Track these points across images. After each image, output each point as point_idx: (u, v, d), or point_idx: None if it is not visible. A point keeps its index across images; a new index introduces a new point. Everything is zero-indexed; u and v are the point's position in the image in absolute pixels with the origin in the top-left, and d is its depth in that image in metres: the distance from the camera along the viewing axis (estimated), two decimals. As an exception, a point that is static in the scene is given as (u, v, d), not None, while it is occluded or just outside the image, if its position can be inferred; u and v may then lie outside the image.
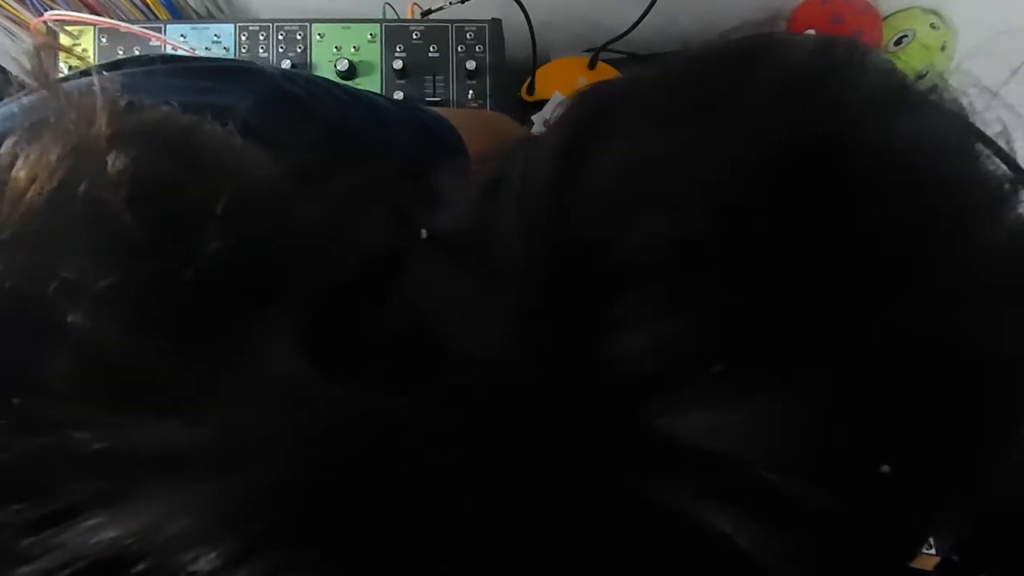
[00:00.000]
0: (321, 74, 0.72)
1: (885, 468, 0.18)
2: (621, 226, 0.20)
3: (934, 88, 0.24)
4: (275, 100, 0.35)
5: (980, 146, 0.22)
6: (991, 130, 0.23)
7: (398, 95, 0.71)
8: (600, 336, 0.19)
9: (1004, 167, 0.22)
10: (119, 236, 0.19)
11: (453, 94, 0.72)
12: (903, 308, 0.19)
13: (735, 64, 0.23)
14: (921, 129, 0.22)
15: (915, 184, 0.20)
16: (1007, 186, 0.22)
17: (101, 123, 0.20)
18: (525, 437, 0.19)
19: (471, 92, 0.72)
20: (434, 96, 0.72)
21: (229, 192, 0.20)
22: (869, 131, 0.21)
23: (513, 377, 0.19)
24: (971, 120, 0.23)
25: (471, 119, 0.56)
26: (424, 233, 0.23)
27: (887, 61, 0.24)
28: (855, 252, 0.19)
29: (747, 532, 0.18)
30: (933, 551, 0.36)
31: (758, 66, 0.22)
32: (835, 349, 0.18)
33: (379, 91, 0.72)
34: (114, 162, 0.19)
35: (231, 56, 0.71)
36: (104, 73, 0.22)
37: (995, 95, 0.24)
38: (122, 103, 0.22)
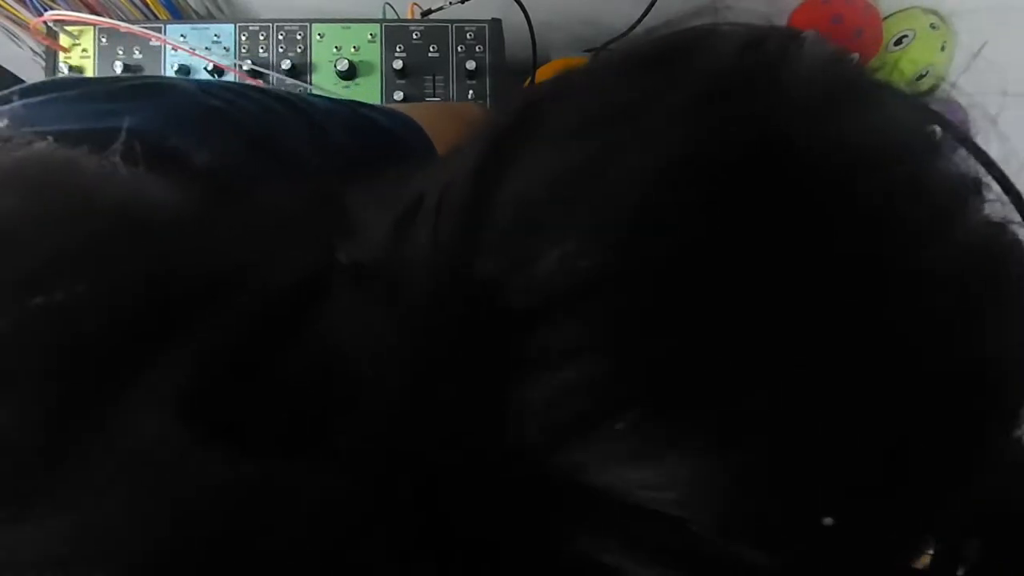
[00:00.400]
0: (321, 74, 0.72)
1: (827, 521, 0.16)
2: (530, 257, 0.18)
3: (886, 79, 0.21)
4: (190, 115, 0.32)
5: (942, 138, 0.20)
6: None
7: (398, 95, 0.71)
8: (509, 384, 0.17)
9: (971, 158, 0.20)
10: None
11: (453, 94, 0.72)
12: (856, 339, 0.17)
13: (657, 65, 0.21)
14: (870, 126, 0.20)
15: (863, 192, 0.18)
16: (971, 184, 0.20)
17: None
18: (432, 503, 0.17)
19: (471, 92, 0.72)
20: (434, 96, 0.72)
21: (103, 231, 0.18)
22: (805, 133, 0.18)
23: (416, 434, 0.17)
24: (932, 109, 0.21)
25: (439, 113, 0.52)
26: (343, 263, 0.20)
27: (830, 52, 0.21)
28: (791, 276, 0.17)
29: None
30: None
31: (681, 66, 0.20)
32: (773, 392, 0.16)
33: (379, 91, 0.72)
34: None
35: (231, 57, 0.71)
36: None
37: (953, 84, 0.22)
38: None
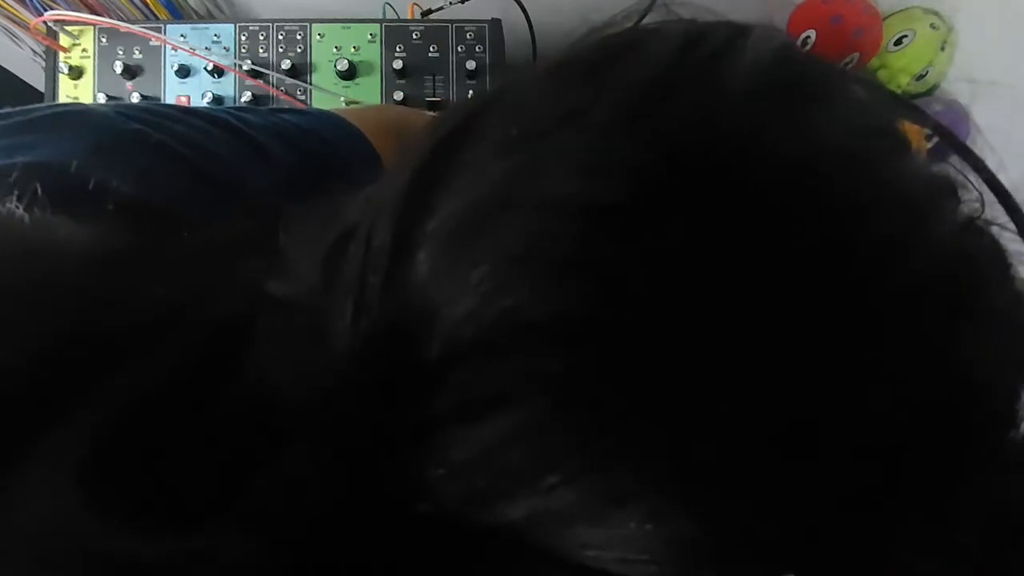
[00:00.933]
0: (321, 74, 0.72)
1: None
2: (449, 299, 0.16)
3: (845, 72, 0.19)
4: (107, 142, 0.29)
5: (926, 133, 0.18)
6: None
7: (398, 95, 0.71)
8: (432, 438, 0.16)
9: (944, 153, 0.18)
10: None
11: (453, 94, 0.72)
12: (814, 385, 0.15)
13: (585, 76, 0.19)
14: (824, 130, 0.17)
15: (815, 212, 0.16)
16: (944, 184, 0.18)
17: None
18: (352, 565, 0.15)
19: (471, 92, 0.72)
20: (434, 96, 0.72)
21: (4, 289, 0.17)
22: (744, 142, 0.16)
23: (334, 493, 0.16)
24: (902, 99, 0.19)
25: (377, 121, 0.48)
26: (273, 301, 0.18)
27: (779, 44, 0.19)
28: (721, 317, 0.15)
29: None
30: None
31: (609, 77, 0.18)
32: (727, 439, 0.15)
33: (379, 91, 0.72)
34: None
35: (231, 56, 0.71)
36: None
37: (918, 82, 0.21)
38: None
